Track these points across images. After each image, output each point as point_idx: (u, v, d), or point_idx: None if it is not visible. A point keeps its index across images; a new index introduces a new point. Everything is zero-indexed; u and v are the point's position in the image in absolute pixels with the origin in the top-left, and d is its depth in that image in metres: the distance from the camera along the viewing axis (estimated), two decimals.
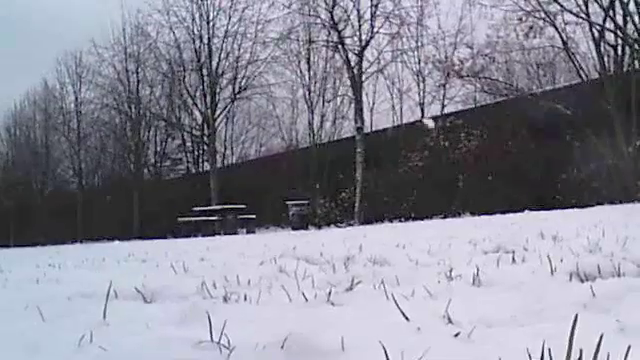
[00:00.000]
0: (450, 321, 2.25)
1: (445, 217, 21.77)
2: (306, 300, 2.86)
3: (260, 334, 2.06)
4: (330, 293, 2.89)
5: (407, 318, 2.25)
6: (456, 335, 2.02)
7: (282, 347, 1.94)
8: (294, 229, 23.92)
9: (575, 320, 1.66)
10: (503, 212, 16.94)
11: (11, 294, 4.07)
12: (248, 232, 24.90)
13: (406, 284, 3.15)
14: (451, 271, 3.57)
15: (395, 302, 2.35)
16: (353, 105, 29.69)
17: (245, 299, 3.04)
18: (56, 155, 42.69)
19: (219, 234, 22.21)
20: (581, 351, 1.53)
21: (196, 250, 9.21)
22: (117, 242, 21.01)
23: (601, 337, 1.56)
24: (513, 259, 4.13)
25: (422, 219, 21.16)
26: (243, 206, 25.47)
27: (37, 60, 55.16)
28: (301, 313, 2.56)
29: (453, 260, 4.30)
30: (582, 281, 2.96)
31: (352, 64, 28.72)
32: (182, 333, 2.20)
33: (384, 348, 1.74)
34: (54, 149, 42.71)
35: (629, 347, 1.55)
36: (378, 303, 2.71)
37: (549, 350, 1.56)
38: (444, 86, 29.66)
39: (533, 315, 2.32)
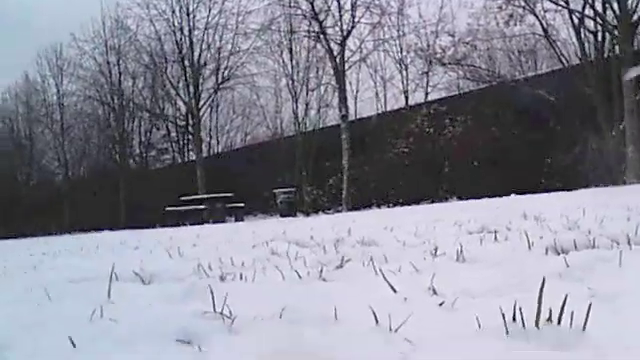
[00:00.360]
0: (435, 293, 2.44)
1: (432, 202, 22.00)
2: (299, 277, 3.03)
3: (259, 307, 2.23)
4: (322, 271, 3.07)
5: (395, 290, 2.43)
6: (441, 304, 2.21)
7: (280, 317, 2.11)
8: (282, 216, 24.04)
9: (543, 283, 1.84)
10: (489, 197, 17.14)
11: (12, 279, 4.22)
12: (236, 220, 24.97)
13: (393, 262, 3.33)
14: (436, 249, 3.75)
15: (383, 276, 2.53)
16: (337, 93, 29.81)
17: (241, 278, 3.21)
18: (40, 147, 42.58)
19: (207, 223, 22.27)
20: (550, 310, 1.70)
21: (187, 237, 9.36)
22: (106, 232, 21.11)
23: (565, 297, 1.74)
24: (496, 238, 4.32)
25: (409, 204, 21.35)
26: (231, 194, 25.54)
27: (17, 54, 54.92)
28: (295, 289, 2.74)
29: (438, 240, 4.47)
30: (558, 254, 3.14)
31: (334, 53, 28.83)
32: (185, 308, 2.37)
33: (374, 313, 1.91)
34: (38, 141, 42.59)
35: (590, 305, 1.72)
36: (367, 279, 2.89)
37: (520, 309, 1.73)
38: (427, 74, 29.86)
39: (512, 286, 2.49)
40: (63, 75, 40.33)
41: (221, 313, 2.11)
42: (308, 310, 2.18)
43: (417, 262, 3.16)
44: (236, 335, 1.94)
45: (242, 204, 25.95)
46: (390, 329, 1.82)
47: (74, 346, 1.85)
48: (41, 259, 6.25)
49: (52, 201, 38.73)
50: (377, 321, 1.90)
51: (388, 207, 22.70)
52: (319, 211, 27.11)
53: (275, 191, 26.10)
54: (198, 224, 21.38)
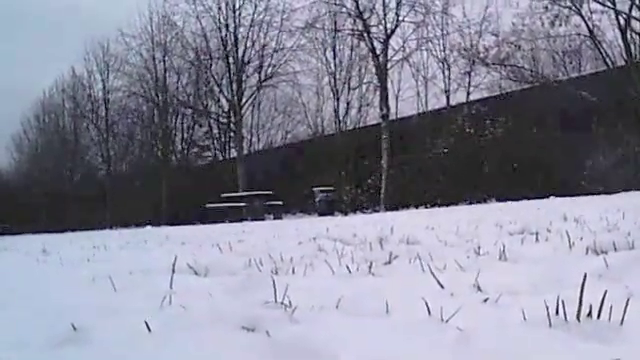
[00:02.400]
0: (479, 289, 2.57)
1: (471, 203, 21.98)
2: (349, 272, 3.18)
3: (315, 298, 2.39)
4: (371, 266, 3.22)
5: (442, 286, 2.57)
6: (485, 300, 2.34)
7: (337, 307, 2.27)
8: (320, 215, 24.17)
9: (584, 279, 1.97)
10: (528, 198, 17.12)
11: (71, 271, 4.42)
12: (275, 218, 25.19)
13: (438, 260, 3.46)
14: (479, 249, 3.88)
15: (431, 272, 2.67)
16: (378, 92, 29.86)
17: (293, 272, 3.37)
18: (85, 142, 43.22)
19: (246, 220, 22.51)
20: (590, 306, 1.83)
21: (231, 233, 9.55)
22: (149, 227, 21.40)
23: (605, 293, 1.87)
24: (537, 239, 4.42)
25: (448, 205, 21.36)
26: (270, 192, 25.76)
27: (65, 48, 55.83)
28: (347, 283, 2.89)
29: (480, 240, 4.58)
30: (597, 254, 3.25)
31: (377, 52, 28.91)
32: (245, 298, 2.54)
33: (427, 305, 2.05)
34: (83, 136, 43.25)
35: (627, 301, 1.85)
36: (414, 275, 3.03)
37: (563, 303, 1.86)
38: (469, 74, 29.72)
39: (553, 284, 2.61)
40: (109, 71, 40.96)
41: (282, 303, 2.26)
42: (362, 302, 2.33)
43: (461, 260, 3.29)
44: (297, 324, 2.09)
45: (280, 202, 26.14)
46: (442, 319, 1.96)
47: (149, 330, 2.01)
48: (93, 252, 6.45)
49: (95, 196, 39.25)
50: (430, 312, 2.04)
51: (426, 207, 22.71)
52: (357, 210, 27.21)
53: (314, 190, 26.26)
54: (238, 221, 21.59)
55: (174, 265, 3.23)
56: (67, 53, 54.54)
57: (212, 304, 2.38)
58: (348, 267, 3.25)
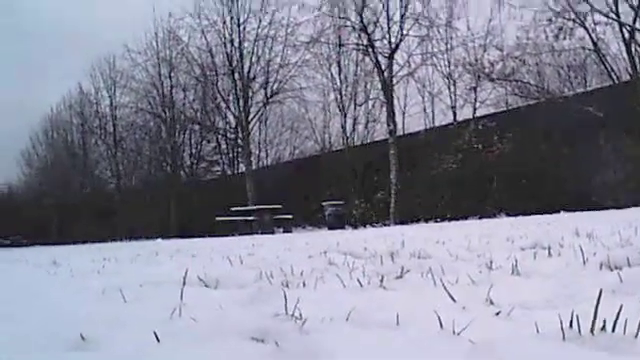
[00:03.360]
0: (492, 303, 2.54)
1: (480, 218, 21.92)
2: (360, 285, 3.15)
3: (325, 310, 2.36)
4: (382, 280, 3.19)
5: (454, 299, 2.54)
6: (497, 314, 2.31)
7: (347, 319, 2.24)
8: (330, 229, 24.16)
9: (600, 293, 1.94)
10: (538, 213, 17.06)
11: (81, 282, 4.39)
12: (285, 231, 25.18)
13: (450, 274, 3.43)
14: (490, 263, 3.84)
15: (443, 286, 2.64)
16: (385, 108, 29.87)
17: (304, 286, 3.34)
18: (94, 157, 43.38)
19: (256, 233, 22.51)
20: (605, 320, 1.80)
21: (241, 246, 9.52)
22: (159, 240, 21.41)
23: (620, 307, 1.84)
24: (549, 253, 4.38)
25: (457, 220, 21.31)
26: (279, 206, 25.76)
27: (72, 65, 56.14)
28: (358, 296, 2.86)
29: (492, 255, 4.53)
30: (611, 270, 3.21)
31: (383, 67, 28.90)
32: (256, 310, 2.52)
33: (439, 318, 2.02)
34: (91, 151, 43.42)
35: (620, 306, 1.82)
36: (426, 288, 3.00)
37: (577, 317, 1.83)
38: (475, 89, 29.52)
39: (566, 299, 2.58)
40: (116, 87, 41.22)
41: (292, 315, 2.24)
42: (373, 315, 2.31)
43: (473, 274, 3.26)
44: (307, 335, 2.06)
45: (290, 216, 26.14)
46: (454, 332, 1.93)
47: (158, 341, 1.99)
48: (103, 264, 6.44)
49: (105, 210, 39.36)
50: (441, 325, 2.01)
51: (435, 222, 22.65)
52: (366, 224, 27.16)
53: (323, 204, 26.26)
54: (247, 234, 21.59)
55: (185, 278, 3.21)
56: (74, 69, 54.83)
57: (222, 315, 2.35)
58: (359, 280, 3.22)
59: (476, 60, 28.80)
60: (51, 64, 61.19)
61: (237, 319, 2.22)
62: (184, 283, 3.10)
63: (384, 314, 2.30)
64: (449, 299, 2.56)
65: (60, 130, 45.21)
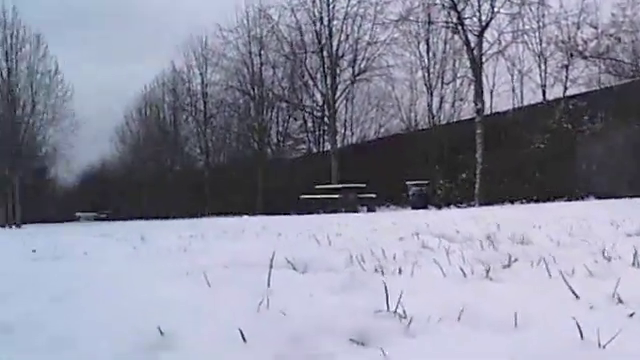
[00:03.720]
0: (620, 301, 2.17)
1: (568, 200, 21.12)
2: (464, 275, 2.82)
3: (431, 306, 2.05)
4: (489, 270, 2.85)
5: (577, 296, 2.19)
6: (631, 315, 1.95)
7: (459, 319, 1.92)
8: (414, 208, 23.78)
9: None
10: (631, 196, 16.28)
11: (166, 262, 4.20)
12: (368, 210, 24.94)
13: (561, 263, 3.06)
14: (604, 251, 3.45)
15: (564, 279, 2.28)
16: (473, 87, 29.10)
17: (399, 272, 3.03)
18: (184, 134, 43.93)
19: (340, 211, 22.31)
20: None
21: (327, 225, 9.27)
22: (246, 217, 21.43)
23: None
24: None
25: (544, 201, 20.60)
26: (363, 185, 25.50)
27: (166, 44, 57.12)
28: (462, 287, 2.54)
29: (598, 241, 4.14)
30: None
31: (472, 45, 28.10)
32: (350, 302, 2.22)
33: (578, 325, 1.68)
34: (182, 128, 44.01)
35: None
36: (539, 280, 2.65)
37: None
38: (567, 67, 28.34)
39: None
40: (207, 65, 41.50)
41: (395, 312, 1.94)
42: (486, 313, 1.98)
43: (589, 265, 2.88)
44: (414, 338, 1.76)
45: (374, 195, 25.86)
46: (599, 345, 1.59)
47: (244, 340, 1.73)
48: (189, 242, 6.29)
49: (194, 186, 39.90)
50: (582, 335, 1.67)
51: (521, 203, 21.98)
52: (451, 204, 26.62)
53: (407, 183, 25.86)
54: (331, 213, 21.41)
55: (272, 261, 2.93)
56: (167, 48, 55.78)
57: (314, 309, 2.06)
58: (462, 269, 2.88)
59: (569, 38, 27.61)
60: (146, 44, 62.46)
61: (332, 314, 1.94)
62: (271, 266, 2.81)
63: (498, 312, 1.98)
64: (570, 294, 2.20)
65: (153, 107, 46.00)
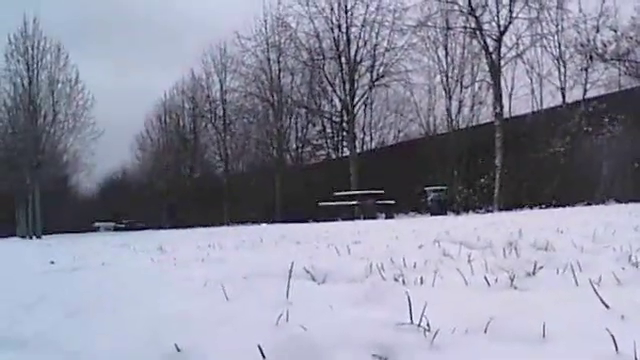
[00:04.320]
0: None
1: (589, 204, 20.89)
2: (488, 284, 2.74)
3: (456, 317, 1.98)
4: (513, 278, 2.77)
5: (606, 305, 2.10)
6: None
7: (485, 332, 1.85)
8: (432, 214, 23.64)
9: None
10: None
11: (184, 273, 4.15)
12: (387, 217, 24.83)
13: (587, 270, 2.97)
14: (630, 257, 3.36)
15: (593, 288, 2.20)
16: (491, 91, 28.96)
17: (421, 282, 2.95)
18: (203, 141, 44.01)
19: (358, 218, 22.23)
20: None
21: (346, 232, 9.20)
22: (264, 225, 21.39)
23: None
24: None
25: (564, 206, 20.39)
26: (382, 191, 25.40)
27: (185, 52, 57.45)
28: (486, 297, 2.46)
29: (623, 247, 4.04)
30: None
31: (490, 50, 27.98)
32: (371, 314, 2.15)
33: (612, 337, 1.60)
34: (202, 135, 44.10)
35: None
36: (566, 289, 2.56)
37: None
38: (586, 70, 28.04)
39: None
40: (226, 72, 41.65)
41: (419, 325, 1.87)
42: (512, 324, 1.91)
43: (617, 272, 2.78)
44: (439, 352, 1.70)
45: (392, 201, 25.76)
46: (636, 359, 1.51)
47: (263, 356, 1.67)
48: (208, 252, 6.24)
49: (213, 194, 39.95)
50: (617, 348, 1.59)
51: (541, 208, 21.77)
52: (469, 210, 26.46)
53: (426, 189, 25.74)
54: (349, 219, 21.34)
55: (291, 271, 2.87)
56: (186, 56, 56.18)
57: (335, 323, 1.99)
58: (486, 278, 2.80)
59: (588, 41, 27.38)
60: (165, 52, 62.79)
61: (353, 327, 1.88)
62: (290, 277, 2.75)
63: (525, 322, 1.90)
64: (599, 304, 2.12)
65: (173, 115, 46.13)
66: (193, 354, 1.73)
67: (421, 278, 2.99)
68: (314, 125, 39.99)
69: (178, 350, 1.75)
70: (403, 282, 2.96)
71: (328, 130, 39.64)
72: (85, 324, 2.39)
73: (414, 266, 3.62)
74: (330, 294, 2.71)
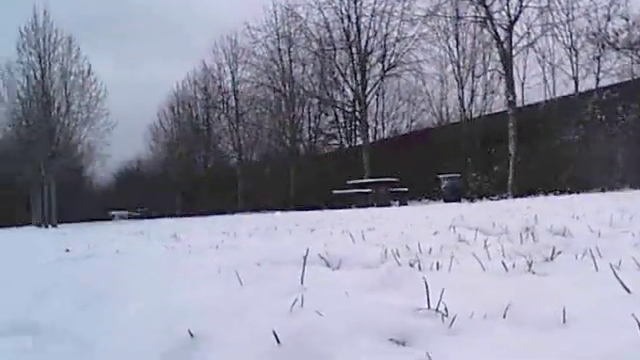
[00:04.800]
0: None
1: (603, 191, 20.75)
2: (505, 269, 2.68)
3: (473, 302, 1.93)
4: (531, 263, 2.71)
5: (628, 290, 2.05)
6: None
7: (504, 316, 1.80)
8: (446, 201, 23.56)
9: None
10: None
11: (198, 260, 4.12)
12: (401, 204, 24.76)
13: (607, 256, 2.91)
14: None
15: (614, 273, 2.14)
16: (504, 80, 28.79)
17: (437, 267, 2.90)
18: (216, 131, 44.12)
19: (372, 206, 22.14)
20: None
21: (360, 219, 9.14)
22: (278, 213, 21.37)
23: None
24: None
25: (578, 193, 20.25)
26: (395, 179, 25.33)
27: (195, 44, 57.57)
28: (503, 282, 2.40)
29: None
30: None
31: (501, 39, 27.83)
32: (388, 299, 2.11)
33: (638, 322, 1.55)
34: (215, 126, 44.22)
35: None
36: (585, 274, 2.50)
37: None
38: (598, 59, 27.82)
39: None
40: (238, 63, 41.93)
41: (437, 310, 1.82)
42: (531, 309, 1.85)
43: (637, 257, 2.72)
44: (457, 337, 1.65)
45: (406, 189, 25.69)
46: None
47: (278, 342, 1.62)
48: (222, 239, 6.21)
49: (227, 183, 40.04)
50: None
51: (555, 195, 21.63)
52: (483, 197, 26.33)
53: (440, 176, 25.62)
54: (363, 207, 21.28)
55: (305, 258, 2.82)
56: (197, 48, 56.38)
57: (351, 309, 1.94)
58: (504, 263, 2.74)
59: (599, 30, 27.17)
60: (176, 44, 62.87)
61: (369, 313, 1.83)
62: (305, 263, 2.70)
63: (544, 308, 1.84)
64: (620, 289, 2.05)
65: (185, 105, 46.23)
66: (207, 340, 1.69)
67: (437, 263, 2.93)
68: (326, 115, 40.16)
69: (192, 336, 1.71)
70: (419, 268, 2.91)
71: (341, 120, 39.73)
72: (99, 311, 2.37)
73: (430, 252, 3.57)
74: (345, 280, 2.66)
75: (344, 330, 1.68)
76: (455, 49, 33.11)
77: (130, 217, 39.83)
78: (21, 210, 35.59)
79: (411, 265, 3.03)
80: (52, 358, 1.84)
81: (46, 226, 29.07)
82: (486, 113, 31.93)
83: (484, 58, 32.18)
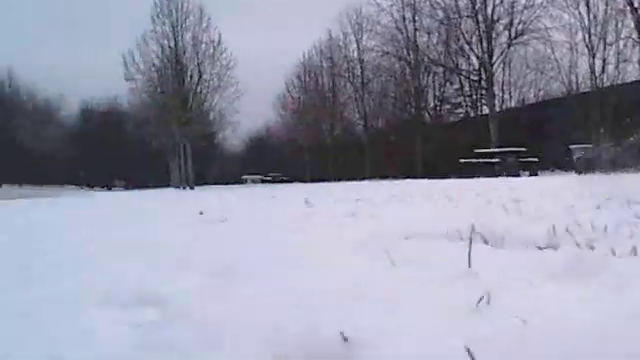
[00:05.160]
0: None
1: None
2: None
3: None
4: None
5: None
6: None
7: None
8: (578, 173, 22.36)
9: None
10: None
11: (336, 230, 3.73)
12: (530, 175, 23.81)
13: None
14: None
15: None
16: (638, 48, 27.03)
17: (634, 253, 2.32)
18: (342, 100, 43.95)
19: (500, 176, 21.32)
20: None
21: (496, 190, 8.45)
22: (409, 180, 21.01)
23: None
24: None
25: None
26: (523, 149, 24.37)
27: (321, 12, 57.47)
28: None
29: None
30: None
31: (636, 5, 26.07)
32: (587, 295, 1.63)
33: None
34: (340, 94, 44.01)
35: None
36: None
37: None
38: None
39: None
40: (363, 32, 41.36)
41: None
42: None
43: None
44: None
45: (535, 159, 24.68)
46: None
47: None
48: (357, 206, 5.84)
49: (353, 150, 39.94)
50: None
51: None
52: (617, 169, 24.87)
53: (571, 147, 24.35)
54: (492, 177, 20.54)
55: (471, 234, 2.34)
56: (323, 17, 56.33)
57: (549, 308, 1.46)
58: None
59: None
60: (304, 12, 63.03)
61: (572, 314, 1.34)
62: (470, 243, 2.23)
63: None
64: None
65: (312, 74, 46.22)
66: (365, 349, 1.26)
67: (634, 249, 2.35)
68: (452, 83, 39.23)
69: (345, 340, 1.28)
70: (613, 252, 2.34)
71: (466, 88, 38.70)
72: (225, 289, 2.00)
73: (604, 229, 2.98)
74: (518, 263, 2.19)
75: (558, 345, 1.20)
76: (586, 16, 31.26)
77: (262, 181, 40.54)
78: (161, 172, 36.79)
79: (591, 248, 2.49)
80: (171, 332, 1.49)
81: (184, 188, 29.85)
82: (619, 82, 30.12)
83: (617, 25, 30.31)
